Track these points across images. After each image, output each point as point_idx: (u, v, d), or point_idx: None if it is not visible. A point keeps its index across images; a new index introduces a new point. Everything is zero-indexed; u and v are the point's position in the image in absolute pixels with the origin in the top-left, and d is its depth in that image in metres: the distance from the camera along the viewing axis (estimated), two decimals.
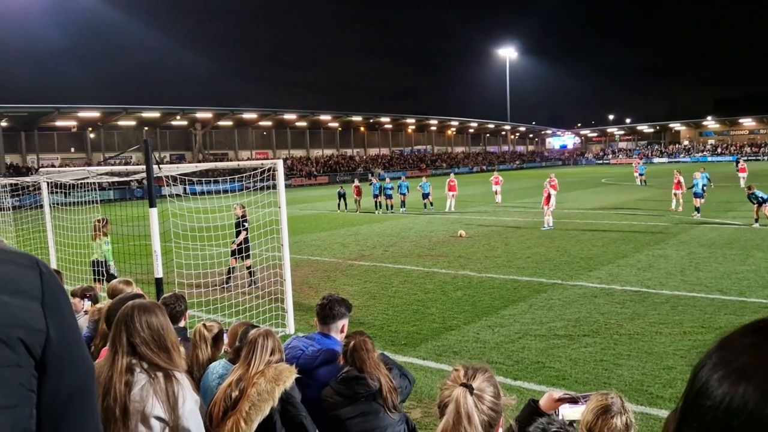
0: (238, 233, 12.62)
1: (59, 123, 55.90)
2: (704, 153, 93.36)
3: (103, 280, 10.80)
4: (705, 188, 24.38)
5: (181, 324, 4.55)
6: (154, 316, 2.73)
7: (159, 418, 2.57)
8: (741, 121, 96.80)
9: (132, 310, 2.73)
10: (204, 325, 4.13)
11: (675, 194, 24.63)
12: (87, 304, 5.65)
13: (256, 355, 3.13)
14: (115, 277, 11.24)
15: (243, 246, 12.45)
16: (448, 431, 2.07)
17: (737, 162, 41.44)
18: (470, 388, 2.11)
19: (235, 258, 12.70)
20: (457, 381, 2.15)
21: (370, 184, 31.16)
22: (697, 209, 22.63)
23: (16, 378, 1.14)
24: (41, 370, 1.20)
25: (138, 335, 2.64)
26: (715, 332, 8.54)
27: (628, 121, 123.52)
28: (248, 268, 12.66)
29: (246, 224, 12.59)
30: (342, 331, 3.95)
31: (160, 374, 2.61)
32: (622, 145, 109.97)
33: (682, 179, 24.41)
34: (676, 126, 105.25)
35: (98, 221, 11.29)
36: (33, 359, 1.18)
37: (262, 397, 2.93)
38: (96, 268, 10.94)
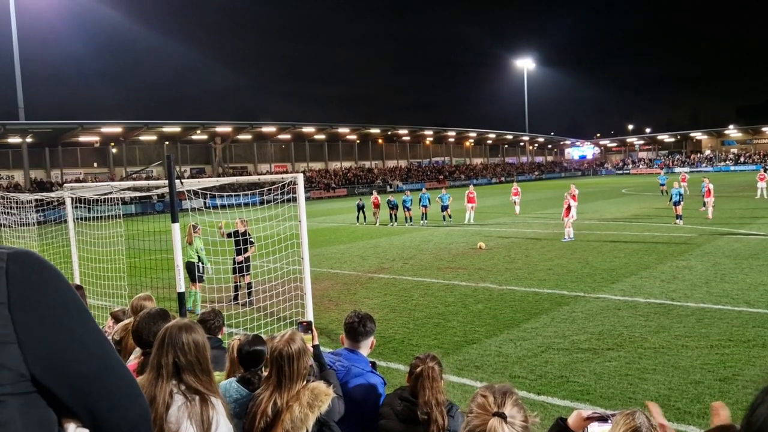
0: (240, 251, 12.31)
1: (82, 138, 56.81)
2: (727, 162, 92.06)
3: (202, 278, 12.13)
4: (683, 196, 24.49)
5: (218, 336, 4.65)
6: (198, 335, 2.72)
7: None
8: (764, 129, 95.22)
9: (177, 329, 2.70)
10: (239, 340, 4.12)
11: (705, 202, 25.05)
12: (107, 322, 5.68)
13: (284, 375, 3.03)
14: (202, 279, 12.04)
15: (246, 262, 12.22)
16: None
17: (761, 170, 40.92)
18: (504, 417, 2.07)
19: (238, 275, 12.47)
20: (486, 409, 2.11)
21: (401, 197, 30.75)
22: (679, 216, 23.66)
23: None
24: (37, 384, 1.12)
25: (185, 356, 2.63)
26: (743, 345, 8.37)
27: (648, 130, 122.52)
28: (248, 284, 12.48)
29: (252, 239, 12.40)
30: (371, 347, 3.93)
31: (196, 397, 2.60)
32: (643, 155, 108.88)
33: (712, 187, 25.10)
34: (698, 135, 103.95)
35: (192, 226, 12.07)
36: (22, 376, 1.10)
37: (296, 425, 2.88)
38: (191, 269, 11.87)
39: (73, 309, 1.20)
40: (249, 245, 12.39)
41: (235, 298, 12.48)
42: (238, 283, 12.73)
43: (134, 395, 1.31)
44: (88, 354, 1.20)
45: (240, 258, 12.23)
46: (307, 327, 3.93)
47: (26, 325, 1.11)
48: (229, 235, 12.54)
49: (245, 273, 12.37)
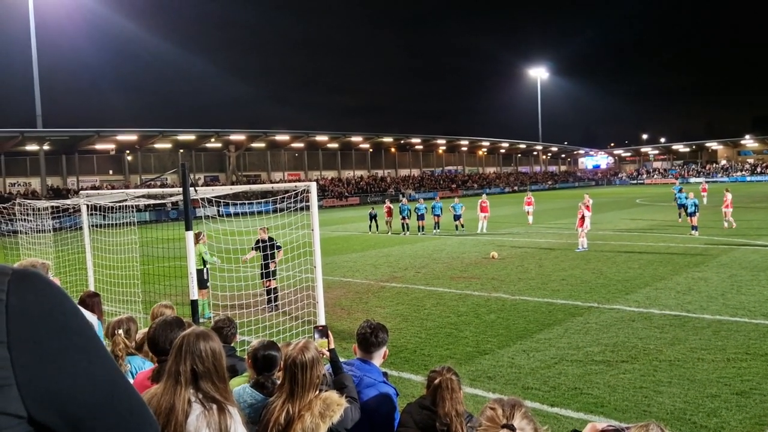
0: (269, 255, 12.65)
1: (99, 146, 57.39)
2: (743, 173, 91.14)
3: (206, 284, 12.19)
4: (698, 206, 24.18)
5: (231, 344, 4.69)
6: (215, 343, 2.73)
7: None
8: None
9: (195, 337, 2.71)
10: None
11: (725, 212, 24.98)
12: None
13: (297, 384, 3.04)
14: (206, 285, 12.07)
15: (274, 267, 12.58)
16: None
17: None
18: (513, 429, 2.06)
19: (270, 280, 12.77)
20: (495, 422, 2.10)
21: (401, 202, 31.30)
22: (694, 227, 23.42)
23: None
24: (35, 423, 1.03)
25: (202, 363, 2.64)
26: (760, 359, 8.24)
27: (662, 140, 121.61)
28: (274, 289, 12.75)
29: (279, 243, 12.71)
30: (384, 357, 3.91)
31: (214, 406, 2.60)
32: (657, 164, 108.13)
33: (730, 198, 24.97)
34: (713, 145, 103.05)
35: (196, 234, 12.04)
36: (19, 417, 1.01)
37: None
38: (200, 277, 11.85)
39: (77, 342, 1.12)
40: (276, 250, 12.66)
41: (268, 301, 12.65)
42: (271, 287, 12.90)
43: (143, 423, 1.22)
44: (90, 388, 1.12)
45: (272, 265, 12.63)
46: (323, 331, 3.93)
47: (26, 364, 1.03)
48: (257, 249, 12.93)
49: (272, 278, 12.66)
